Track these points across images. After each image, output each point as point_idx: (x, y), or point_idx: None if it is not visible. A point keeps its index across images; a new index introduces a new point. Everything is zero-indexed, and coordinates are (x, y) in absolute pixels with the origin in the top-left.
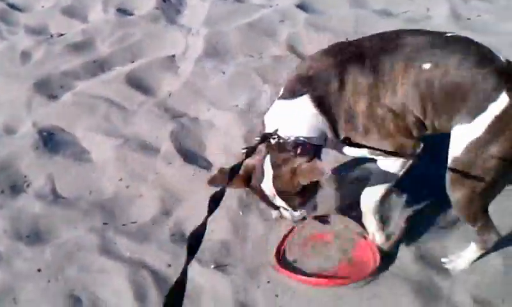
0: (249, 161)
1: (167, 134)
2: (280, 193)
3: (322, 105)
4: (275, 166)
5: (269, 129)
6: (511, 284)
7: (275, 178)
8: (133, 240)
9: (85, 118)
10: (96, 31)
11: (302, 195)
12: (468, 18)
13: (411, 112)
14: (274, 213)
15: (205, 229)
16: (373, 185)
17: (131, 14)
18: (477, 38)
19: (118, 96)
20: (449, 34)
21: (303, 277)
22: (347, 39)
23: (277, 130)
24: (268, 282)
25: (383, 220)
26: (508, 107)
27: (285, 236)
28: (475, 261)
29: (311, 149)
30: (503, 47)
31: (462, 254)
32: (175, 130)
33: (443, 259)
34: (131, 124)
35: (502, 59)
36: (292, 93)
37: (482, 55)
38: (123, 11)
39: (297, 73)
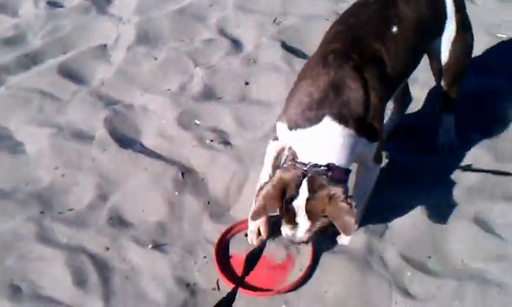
0: (283, 175)
1: (101, 121)
2: (309, 213)
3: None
4: (311, 189)
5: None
6: (436, 242)
7: (310, 199)
8: (70, 227)
9: (18, 111)
10: (28, 25)
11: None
12: None
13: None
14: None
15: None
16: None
17: (61, 6)
18: None
19: (51, 87)
20: None
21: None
22: (275, 19)
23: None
24: (204, 257)
25: None
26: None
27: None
28: None
29: (341, 176)
30: None
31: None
32: (109, 117)
33: None
34: (65, 114)
35: None
36: (309, 120)
37: None
38: (53, 4)
39: (306, 98)
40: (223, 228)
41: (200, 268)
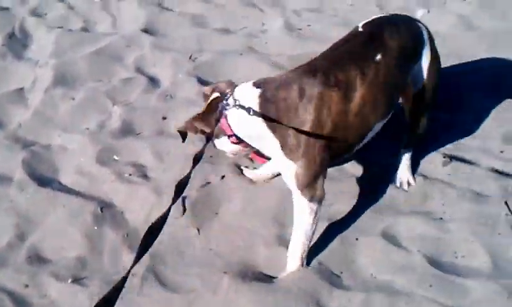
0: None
1: (19, 163)
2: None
3: None
4: None
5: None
6: (347, 257)
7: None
8: None
9: None
10: None
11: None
12: (299, 29)
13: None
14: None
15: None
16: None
17: None
18: (308, 45)
19: None
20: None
21: None
22: (191, 56)
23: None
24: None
25: None
26: (427, 30)
27: None
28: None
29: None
30: None
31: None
32: (27, 159)
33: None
34: None
35: None
36: None
37: (393, 20)
38: None
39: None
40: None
41: (121, 300)
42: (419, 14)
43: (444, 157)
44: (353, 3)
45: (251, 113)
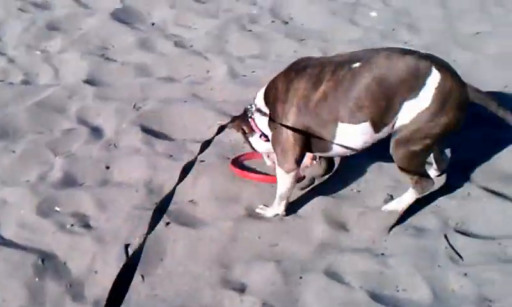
0: None
1: None
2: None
3: None
4: None
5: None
6: (292, 295)
7: None
8: None
9: None
10: None
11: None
12: (244, 75)
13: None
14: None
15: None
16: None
17: None
18: (253, 91)
19: None
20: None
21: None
22: (134, 105)
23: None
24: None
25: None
26: (442, 79)
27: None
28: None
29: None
30: None
31: (403, 198)
32: None
33: None
34: None
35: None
36: None
37: (404, 50)
38: None
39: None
40: None
41: None
42: None
43: (387, 195)
44: (297, 50)
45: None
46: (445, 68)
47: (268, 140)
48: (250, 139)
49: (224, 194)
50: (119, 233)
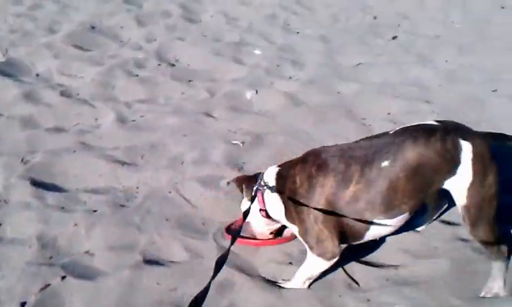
0: None
1: None
2: None
3: None
4: None
5: None
6: None
7: None
8: None
9: None
10: None
11: None
12: (133, 120)
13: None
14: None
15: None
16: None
17: None
18: (142, 135)
19: None
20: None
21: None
22: (22, 159)
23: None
24: None
25: None
26: (472, 146)
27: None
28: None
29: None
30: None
31: (497, 284)
32: None
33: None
34: None
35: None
36: None
37: (424, 129)
38: None
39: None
40: None
41: None
42: (248, 96)
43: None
44: (184, 91)
45: (272, 190)
46: (469, 135)
47: (268, 217)
48: (245, 201)
49: (119, 242)
50: (14, 291)
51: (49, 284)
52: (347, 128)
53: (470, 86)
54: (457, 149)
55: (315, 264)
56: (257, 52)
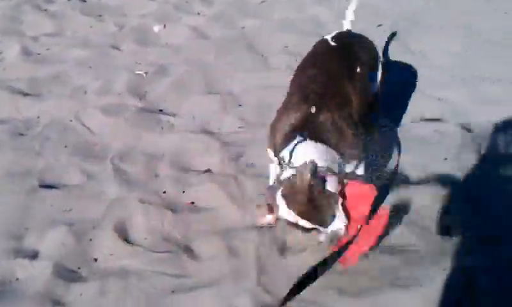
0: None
1: None
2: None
3: None
4: None
5: None
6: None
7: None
8: None
9: None
10: None
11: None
12: (39, 53)
13: None
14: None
15: None
16: None
17: None
18: (48, 67)
19: None
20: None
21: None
22: None
23: None
24: None
25: None
26: None
27: None
28: None
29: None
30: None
31: None
32: None
33: None
34: None
35: None
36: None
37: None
38: None
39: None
40: None
41: None
42: (156, 29)
43: None
44: (93, 25)
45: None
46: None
47: None
48: None
49: (16, 168)
50: None
51: None
52: (246, 60)
53: (360, 23)
54: (375, 47)
55: None
56: None
